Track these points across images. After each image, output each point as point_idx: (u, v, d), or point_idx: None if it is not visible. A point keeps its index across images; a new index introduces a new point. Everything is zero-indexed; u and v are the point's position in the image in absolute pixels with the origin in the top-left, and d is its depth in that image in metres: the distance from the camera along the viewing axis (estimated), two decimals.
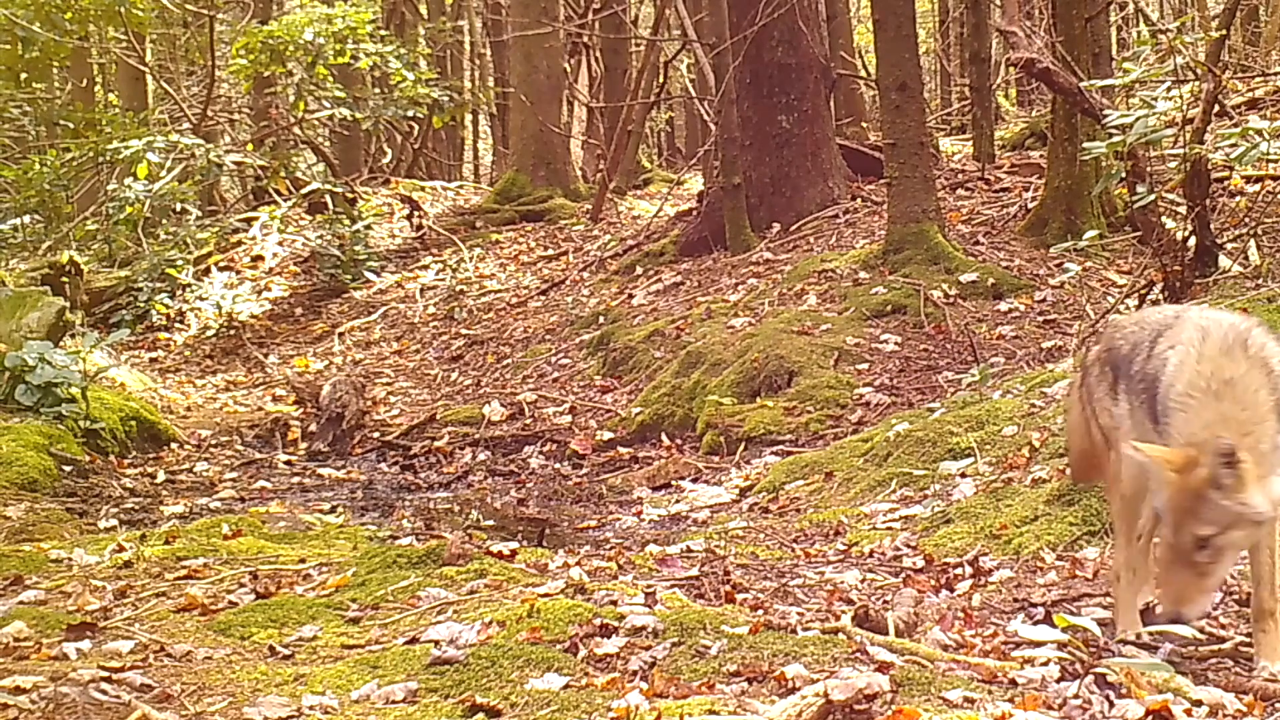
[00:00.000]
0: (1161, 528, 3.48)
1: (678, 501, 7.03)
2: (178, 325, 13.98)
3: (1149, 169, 8.12)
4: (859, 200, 12.32)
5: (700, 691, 3.25)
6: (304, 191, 15.66)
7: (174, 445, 8.99)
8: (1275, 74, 14.13)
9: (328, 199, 15.25)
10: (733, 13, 11.83)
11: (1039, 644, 3.52)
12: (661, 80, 17.86)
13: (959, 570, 4.60)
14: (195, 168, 14.73)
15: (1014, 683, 3.26)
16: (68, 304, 10.11)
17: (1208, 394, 3.48)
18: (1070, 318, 9.00)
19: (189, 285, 14.21)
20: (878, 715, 2.94)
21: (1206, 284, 7.64)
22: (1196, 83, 8.94)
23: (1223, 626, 3.75)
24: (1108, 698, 3.07)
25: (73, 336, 9.95)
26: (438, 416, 9.84)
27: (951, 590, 4.40)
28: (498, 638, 3.73)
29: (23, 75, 14.33)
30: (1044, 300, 9.39)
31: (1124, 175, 7.93)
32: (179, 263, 14.09)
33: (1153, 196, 7.68)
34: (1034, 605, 4.06)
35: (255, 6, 19.05)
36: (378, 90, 17.72)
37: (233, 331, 13.73)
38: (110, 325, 13.01)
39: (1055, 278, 9.71)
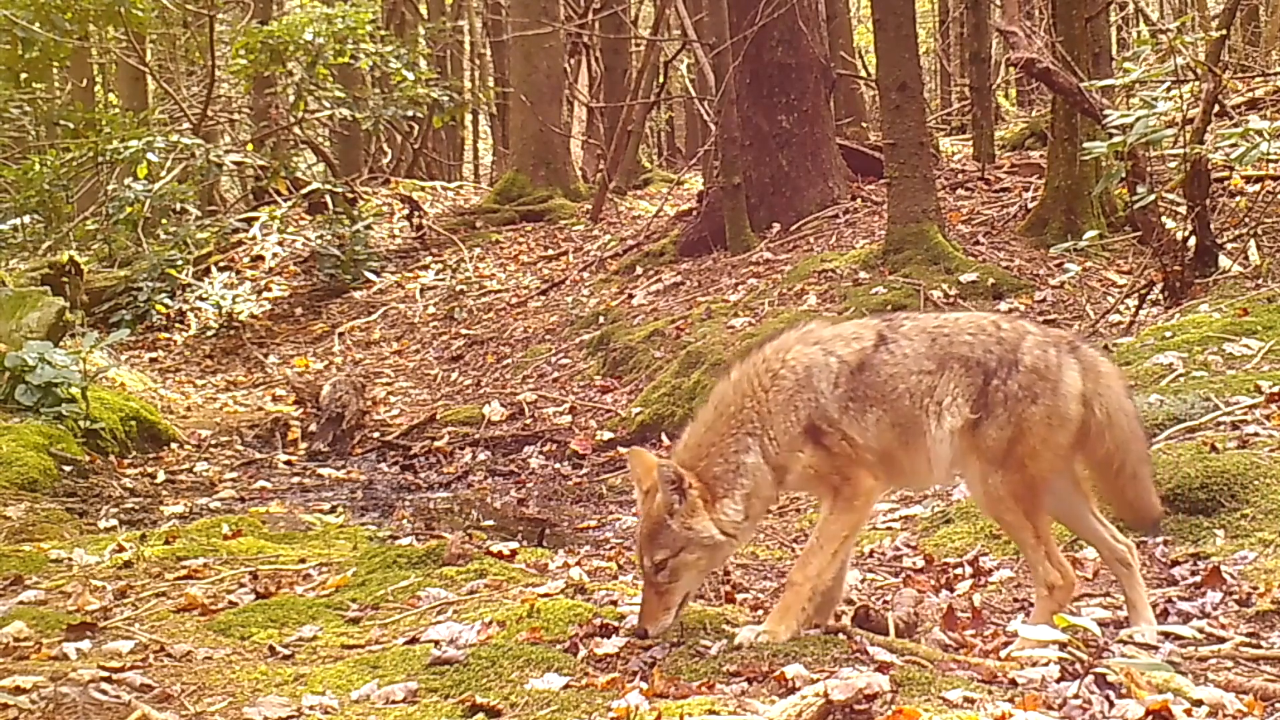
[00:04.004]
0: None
1: None
2: (178, 325, 13.98)
3: (1149, 169, 8.12)
4: (859, 200, 12.32)
5: (700, 691, 3.25)
6: (304, 191, 15.67)
7: (174, 445, 8.99)
8: (1275, 74, 14.13)
9: (328, 199, 15.25)
10: (733, 13, 11.83)
11: (1040, 644, 3.51)
12: (661, 80, 17.86)
13: (959, 570, 4.59)
14: (195, 168, 14.73)
15: (1014, 683, 3.26)
16: (68, 304, 10.11)
17: (699, 418, 3.65)
18: (1070, 318, 8.99)
19: (189, 285, 14.21)
20: (878, 715, 2.94)
21: (1206, 284, 7.64)
22: (1196, 83, 8.94)
23: (1223, 627, 3.75)
24: (1108, 698, 3.07)
25: (73, 336, 9.95)
26: (438, 416, 9.84)
27: (951, 590, 4.40)
28: (498, 638, 3.74)
29: (23, 75, 14.31)
30: (1044, 300, 9.38)
31: (1124, 175, 7.93)
32: (179, 263, 14.10)
33: (1153, 196, 7.69)
34: (1034, 605, 4.05)
35: (255, 6, 19.05)
36: (378, 90, 17.72)
37: (233, 331, 13.74)
38: (110, 325, 13.01)
39: (1055, 278, 9.71)
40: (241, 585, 4.68)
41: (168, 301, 13.92)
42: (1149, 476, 3.87)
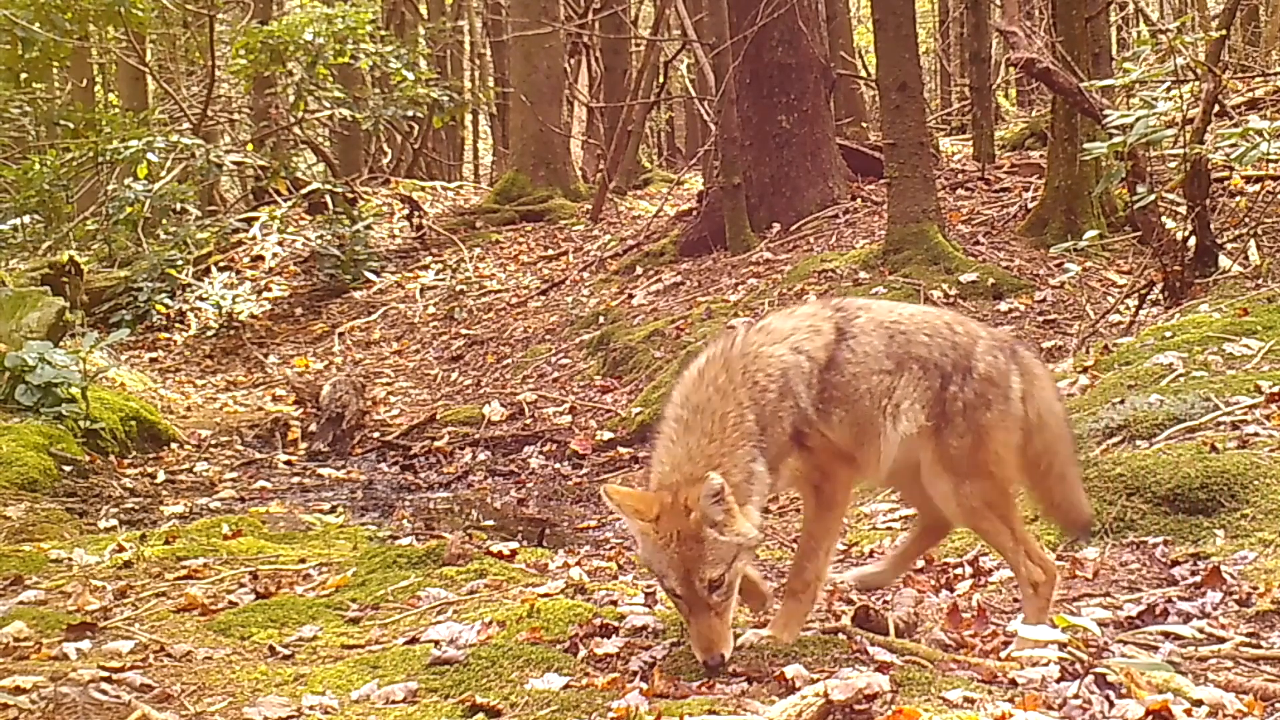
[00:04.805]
0: (658, 581, 3.46)
1: None
2: (178, 325, 13.98)
3: (1149, 169, 8.12)
4: (859, 200, 12.32)
5: (700, 691, 3.25)
6: (304, 191, 15.67)
7: (174, 445, 8.99)
8: (1275, 74, 14.13)
9: (328, 199, 15.26)
10: (733, 13, 11.83)
11: (1040, 644, 3.51)
12: (661, 80, 17.87)
13: (959, 570, 4.59)
14: (195, 168, 14.73)
15: (1014, 683, 3.26)
16: (68, 304, 10.11)
17: (681, 425, 3.48)
18: (1070, 318, 8.99)
19: (189, 285, 14.22)
20: (878, 715, 2.94)
21: (1206, 284, 7.64)
22: (1196, 83, 8.95)
23: (1223, 627, 3.75)
24: (1108, 698, 3.07)
25: (73, 336, 9.95)
26: (438, 416, 9.84)
27: (951, 590, 4.39)
28: (498, 638, 3.73)
29: (23, 75, 14.31)
30: (1044, 300, 9.38)
31: (1124, 175, 7.93)
32: (179, 263, 14.10)
33: (1153, 196, 7.69)
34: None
35: (255, 6, 19.05)
36: (378, 90, 17.72)
37: (233, 331, 13.74)
38: (110, 325, 13.01)
39: (1055, 278, 9.71)
40: (241, 585, 4.68)
41: (168, 301, 13.92)
42: (1077, 479, 3.93)
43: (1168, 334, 6.50)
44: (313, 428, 9.62)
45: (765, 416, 3.45)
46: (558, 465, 8.54)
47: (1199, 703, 3.06)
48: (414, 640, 3.87)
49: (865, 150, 13.42)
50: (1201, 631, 3.66)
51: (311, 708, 3.34)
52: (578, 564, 4.90)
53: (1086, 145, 8.07)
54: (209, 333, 13.80)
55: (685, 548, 3.30)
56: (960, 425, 3.55)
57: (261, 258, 15.67)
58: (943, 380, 3.56)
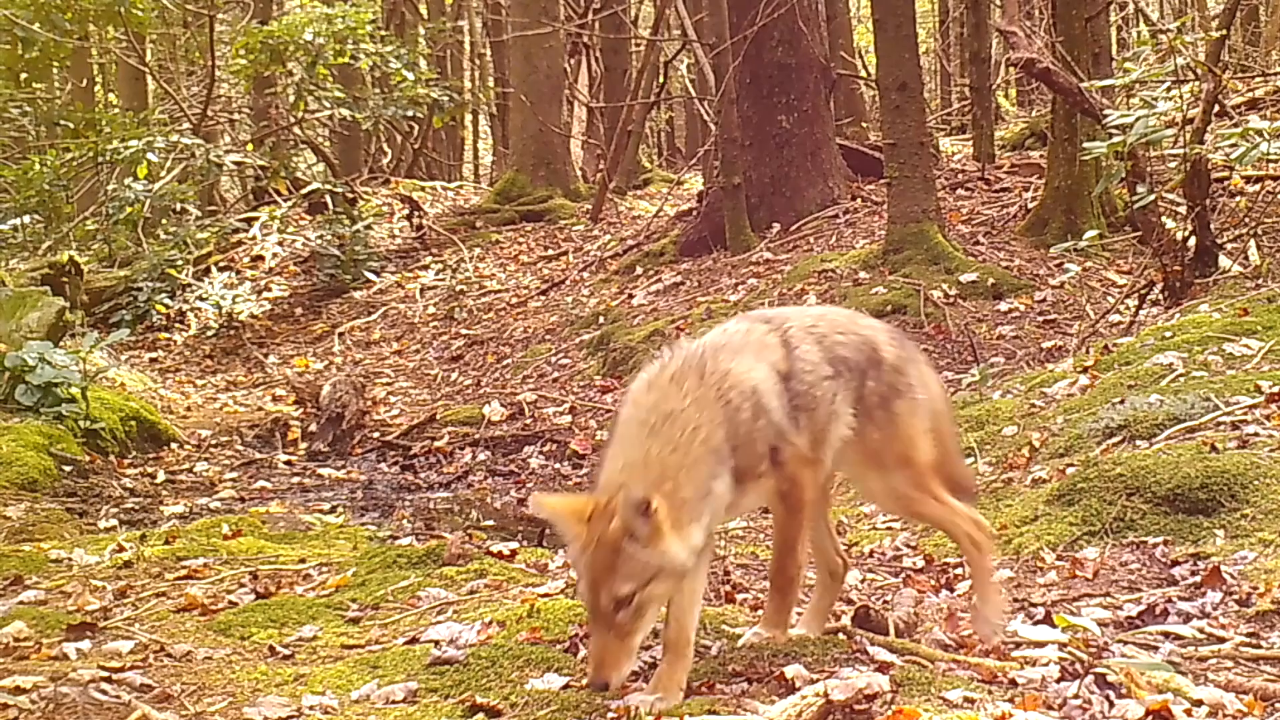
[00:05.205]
0: (578, 586, 3.22)
1: None
2: (178, 325, 13.98)
3: (1149, 169, 8.12)
4: (859, 200, 12.32)
5: (700, 691, 3.25)
6: (304, 191, 15.67)
7: (174, 445, 8.99)
8: (1275, 74, 14.13)
9: (328, 199, 15.26)
10: (733, 13, 11.83)
11: (1039, 644, 3.52)
12: (661, 80, 17.87)
13: (959, 570, 4.59)
14: (195, 168, 14.74)
15: (1014, 683, 3.26)
16: (68, 304, 10.11)
17: (642, 428, 3.26)
18: (1070, 318, 9.00)
19: (189, 285, 14.22)
20: (878, 715, 2.94)
21: (1206, 284, 7.64)
22: (1196, 83, 8.95)
23: (1223, 627, 3.75)
24: (1108, 698, 3.07)
25: (73, 336, 9.95)
26: (438, 416, 9.84)
27: (951, 590, 4.39)
28: (498, 638, 3.73)
29: (23, 75, 14.32)
30: (1044, 300, 9.39)
31: (1124, 175, 7.93)
32: (179, 263, 14.10)
33: (1153, 196, 7.69)
34: (1034, 605, 4.06)
35: (255, 6, 19.05)
36: (378, 90, 17.72)
37: (233, 331, 13.74)
38: (110, 325, 13.01)
39: (1055, 278, 9.71)
40: (241, 585, 4.68)
41: (168, 301, 13.93)
42: (960, 450, 4.12)
43: (1168, 334, 6.51)
44: (313, 428, 9.62)
45: (738, 436, 3.29)
46: (558, 465, 8.54)
47: (1199, 703, 3.06)
48: (414, 640, 3.86)
49: (865, 150, 13.43)
50: (1201, 631, 3.66)
51: (311, 708, 3.34)
52: None
53: (1086, 145, 8.07)
54: (209, 333, 13.80)
55: (600, 555, 3.07)
56: (879, 417, 3.56)
57: (261, 258, 15.67)
58: (861, 378, 3.56)
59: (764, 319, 3.60)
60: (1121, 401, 5.50)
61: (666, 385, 3.31)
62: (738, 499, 3.36)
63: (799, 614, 3.86)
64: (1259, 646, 3.56)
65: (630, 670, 3.16)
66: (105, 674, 3.54)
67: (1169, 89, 8.05)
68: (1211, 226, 8.00)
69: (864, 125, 16.72)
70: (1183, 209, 8.30)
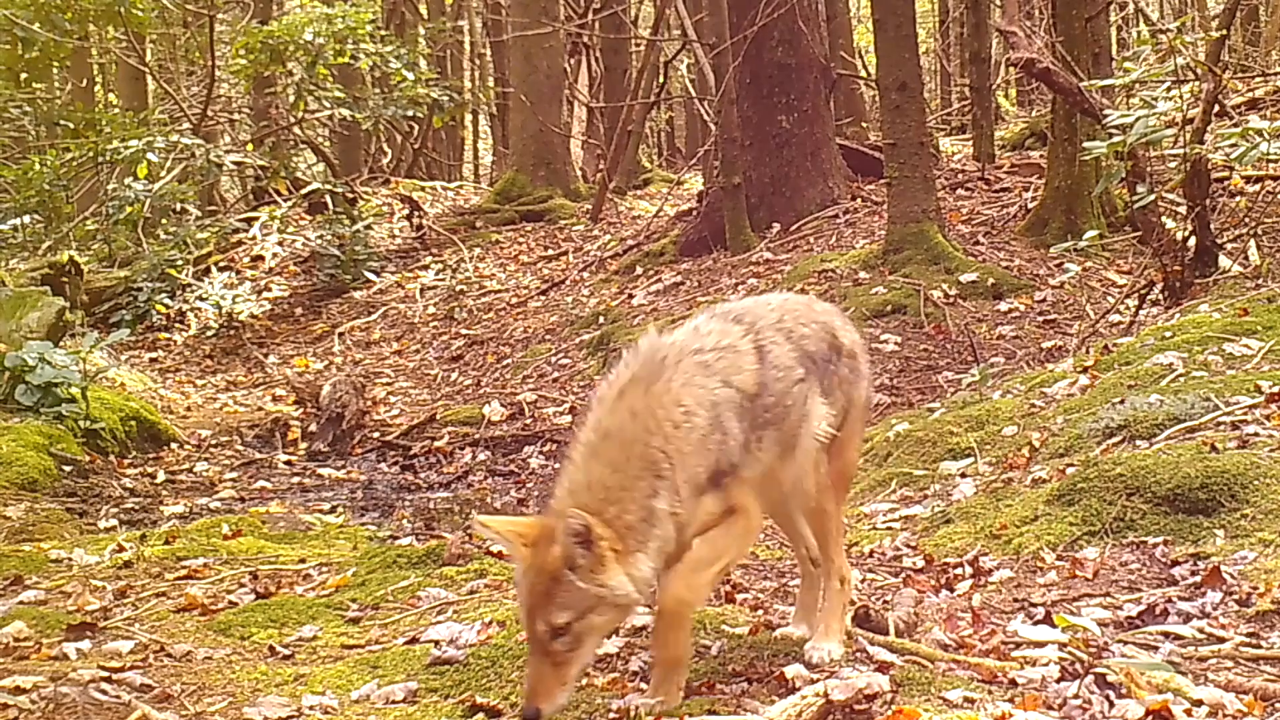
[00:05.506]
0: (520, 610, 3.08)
1: None
2: (178, 325, 13.99)
3: (1149, 169, 8.12)
4: (859, 200, 12.32)
5: (700, 691, 3.25)
6: (304, 191, 15.68)
7: (174, 445, 8.99)
8: (1275, 74, 14.14)
9: (328, 199, 15.26)
10: (733, 13, 11.84)
11: (1039, 644, 3.52)
12: (661, 80, 17.87)
13: (959, 570, 4.59)
14: (195, 168, 14.74)
15: (1014, 683, 3.26)
16: (68, 304, 10.12)
17: (588, 449, 3.10)
18: (1070, 318, 9.00)
19: (189, 285, 14.22)
20: (878, 715, 2.94)
21: (1206, 284, 7.64)
22: (1196, 83, 8.94)
23: (1223, 627, 3.75)
24: (1108, 698, 3.07)
25: (73, 336, 9.96)
26: (438, 416, 9.84)
27: (951, 590, 4.39)
28: (498, 638, 3.73)
29: (23, 75, 14.32)
30: (1044, 300, 9.39)
31: (1124, 175, 7.93)
32: (179, 263, 14.11)
33: (1153, 196, 7.69)
34: (1034, 605, 4.06)
35: (255, 6, 19.05)
36: (378, 90, 17.72)
37: (233, 331, 13.74)
38: (110, 325, 13.02)
39: (1055, 278, 9.71)
40: (241, 585, 4.68)
41: (168, 301, 13.93)
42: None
43: (1168, 334, 6.50)
44: (313, 428, 9.63)
45: (686, 451, 3.09)
46: (557, 465, 8.52)
47: (1199, 703, 3.06)
48: (414, 640, 3.87)
49: (865, 150, 13.43)
50: (1201, 631, 3.66)
51: (311, 708, 3.35)
52: None
53: (1086, 145, 8.06)
54: (209, 333, 13.80)
55: (538, 582, 2.96)
56: (838, 402, 3.47)
57: (261, 258, 15.67)
58: (826, 368, 3.46)
59: (736, 318, 3.40)
60: (1121, 401, 5.50)
61: (613, 401, 3.15)
62: (685, 523, 3.13)
63: (790, 611, 3.86)
64: (1259, 646, 3.56)
65: (565, 700, 3.03)
66: (105, 674, 3.54)
67: (1169, 89, 8.04)
68: (1211, 226, 8.00)
69: (864, 125, 16.72)
70: (1183, 209, 8.30)
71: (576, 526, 2.91)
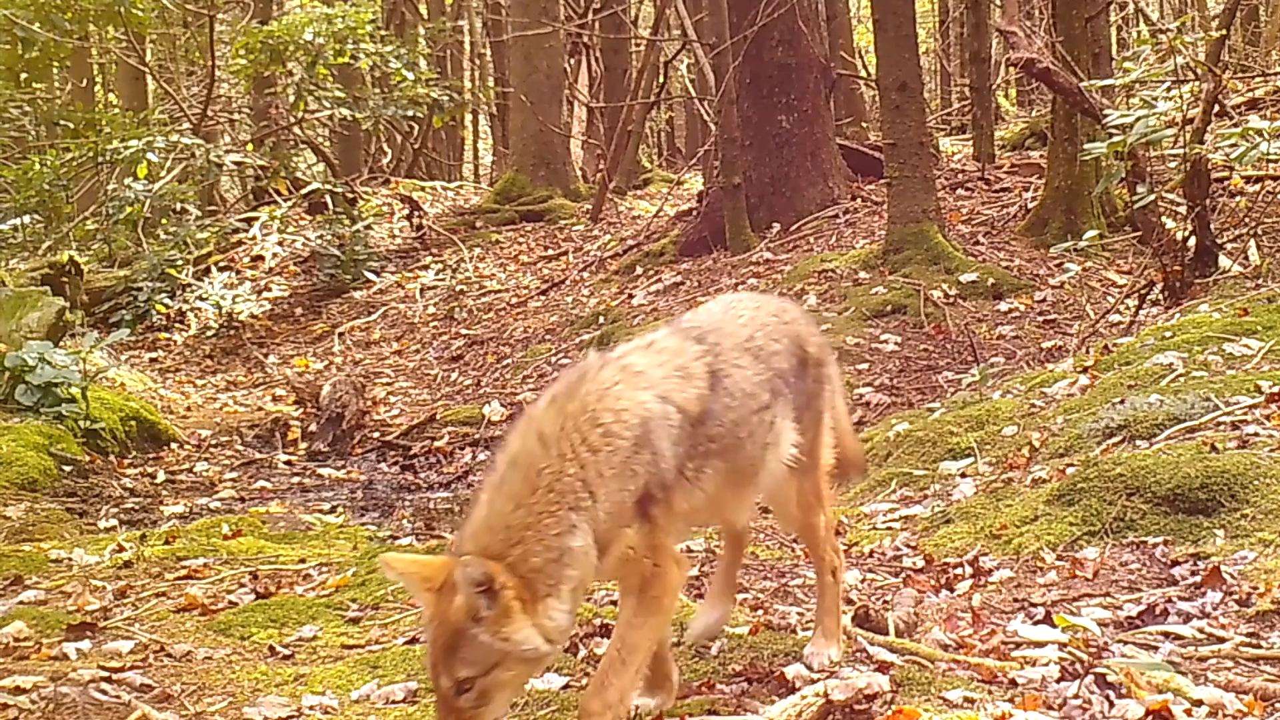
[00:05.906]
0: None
1: None
2: (178, 325, 13.98)
3: (1149, 169, 8.12)
4: (859, 200, 12.32)
5: (700, 691, 3.25)
6: (304, 191, 15.68)
7: (174, 445, 8.99)
8: (1275, 74, 14.14)
9: (328, 199, 15.26)
10: (733, 13, 11.84)
11: (1039, 644, 3.52)
12: (661, 80, 17.87)
13: (959, 570, 4.59)
14: (195, 168, 14.74)
15: (1014, 683, 3.26)
16: (68, 304, 10.12)
17: (495, 482, 2.79)
18: (1070, 318, 9.00)
19: (189, 285, 14.22)
20: (878, 715, 2.94)
21: (1206, 284, 7.64)
22: (1196, 83, 8.94)
23: (1223, 627, 3.75)
24: (1108, 698, 3.07)
25: (73, 336, 9.95)
26: (438, 416, 9.84)
27: (951, 590, 4.39)
28: None
29: (23, 75, 14.33)
30: (1044, 300, 9.39)
31: (1124, 175, 7.93)
32: (179, 263, 14.11)
33: (1153, 196, 7.69)
34: (1034, 605, 4.06)
35: (255, 6, 19.05)
36: (378, 90, 17.72)
37: (233, 331, 13.74)
38: (110, 325, 13.02)
39: (1055, 278, 9.71)
40: (241, 585, 4.68)
41: (168, 301, 13.93)
42: (851, 425, 4.03)
43: (1168, 334, 6.50)
44: (313, 428, 9.63)
45: (605, 474, 2.78)
46: None
47: (1199, 703, 3.06)
48: (414, 640, 3.87)
49: (865, 150, 13.43)
50: (1201, 631, 3.66)
51: (311, 708, 3.35)
52: None
53: (1086, 145, 8.07)
54: (209, 333, 13.80)
55: (440, 634, 2.68)
56: (807, 419, 3.34)
57: (261, 258, 15.67)
58: (794, 384, 3.30)
59: (698, 336, 3.15)
60: (1121, 401, 5.50)
61: (524, 425, 2.87)
62: (602, 560, 2.82)
63: (789, 611, 3.86)
64: (1259, 646, 3.56)
65: None
66: (105, 674, 3.54)
67: (1169, 89, 8.05)
68: (1211, 226, 8.00)
69: (864, 125, 16.72)
70: (1183, 209, 8.30)
71: (476, 575, 2.61)
